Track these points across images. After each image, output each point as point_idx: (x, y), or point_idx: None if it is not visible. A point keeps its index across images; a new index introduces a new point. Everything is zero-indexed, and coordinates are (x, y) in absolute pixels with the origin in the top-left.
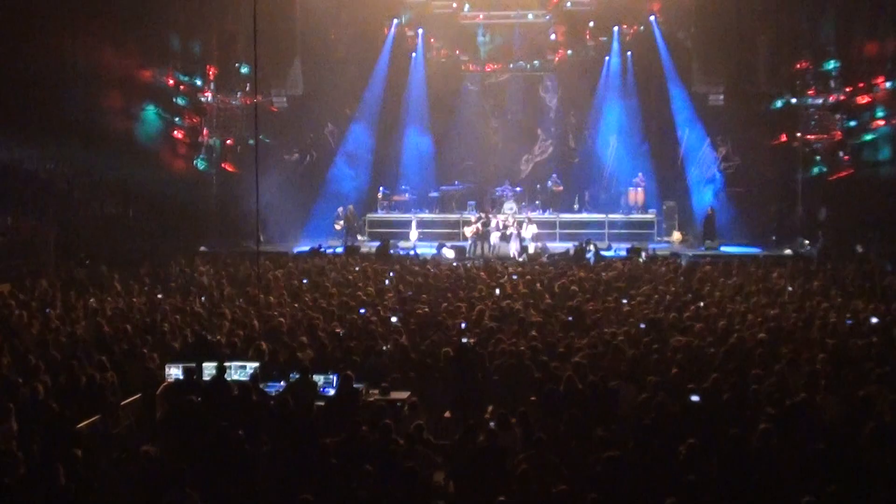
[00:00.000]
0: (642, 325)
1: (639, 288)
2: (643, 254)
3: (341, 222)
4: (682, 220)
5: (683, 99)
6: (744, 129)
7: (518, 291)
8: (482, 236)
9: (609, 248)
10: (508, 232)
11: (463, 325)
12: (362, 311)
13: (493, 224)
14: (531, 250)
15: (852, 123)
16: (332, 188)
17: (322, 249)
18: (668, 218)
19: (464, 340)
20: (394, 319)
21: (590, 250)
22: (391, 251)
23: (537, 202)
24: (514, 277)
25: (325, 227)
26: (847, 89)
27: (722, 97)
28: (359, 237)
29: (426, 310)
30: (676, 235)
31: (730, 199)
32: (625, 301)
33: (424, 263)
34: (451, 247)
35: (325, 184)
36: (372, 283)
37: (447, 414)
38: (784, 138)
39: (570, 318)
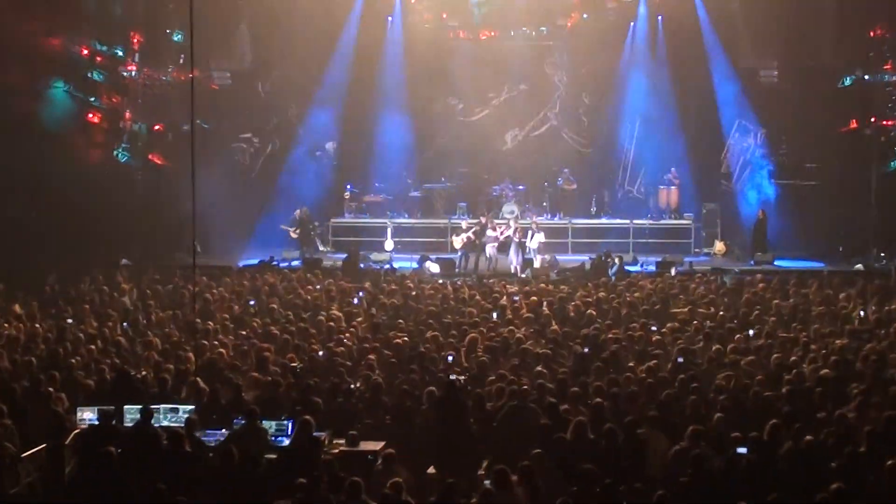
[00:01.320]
0: (678, 360)
1: (672, 312)
2: (677, 269)
3: (297, 229)
4: (727, 227)
5: (728, 76)
6: (803, 112)
7: (520, 316)
8: (475, 247)
9: (635, 263)
10: (508, 241)
11: (450, 359)
12: (324, 344)
13: (489, 232)
14: (537, 264)
15: None
16: (287, 186)
17: (275, 263)
18: (708, 224)
19: (452, 377)
20: (371, 357)
21: (612, 264)
22: (361, 265)
23: (544, 204)
24: (516, 299)
25: (280, 235)
26: None
27: (776, 73)
28: (320, 247)
29: (405, 339)
30: (719, 246)
31: (785, 201)
32: (654, 329)
33: (403, 280)
34: (437, 260)
35: (280, 181)
36: (337, 306)
37: (431, 470)
38: (854, 124)
39: (586, 350)
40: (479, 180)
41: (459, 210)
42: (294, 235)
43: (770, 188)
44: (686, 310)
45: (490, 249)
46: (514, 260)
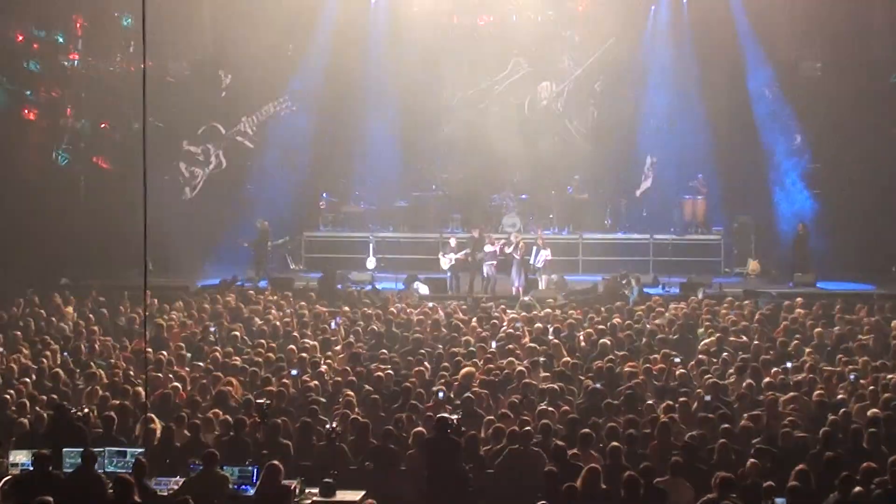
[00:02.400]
0: (706, 397)
1: (698, 341)
2: (704, 292)
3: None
4: (762, 244)
5: (764, 69)
6: (849, 111)
7: (522, 346)
8: (471, 265)
9: (655, 284)
10: (509, 259)
11: (441, 395)
12: (295, 372)
13: (486, 247)
14: (542, 286)
15: None
16: (254, 194)
17: (239, 283)
18: (740, 240)
19: (444, 416)
20: (350, 393)
21: (629, 286)
22: (338, 286)
23: (551, 216)
24: (518, 325)
25: (245, 250)
26: None
27: (818, 66)
28: (291, 265)
29: (389, 372)
30: (753, 265)
31: (829, 213)
32: (678, 360)
33: (387, 304)
34: (426, 280)
35: (246, 188)
36: (310, 333)
37: None
38: None
39: (599, 385)
40: (475, 188)
41: (453, 222)
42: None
43: (807, 198)
44: (714, 339)
45: (487, 268)
46: (515, 280)
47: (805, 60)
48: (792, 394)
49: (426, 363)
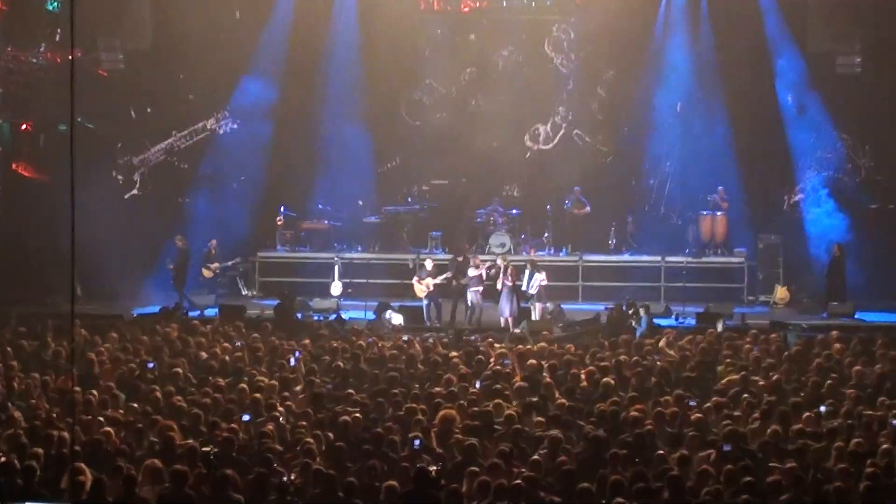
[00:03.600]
0: (725, 446)
1: (717, 381)
2: (724, 324)
3: (213, 267)
4: (791, 268)
5: (794, 64)
6: (894, 114)
7: (512, 386)
8: (452, 291)
9: (668, 315)
10: (498, 284)
11: (418, 443)
12: (247, 417)
13: (471, 270)
14: (536, 315)
15: None
16: (199, 211)
17: (182, 311)
18: (766, 263)
19: (422, 468)
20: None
21: (637, 317)
22: (298, 315)
23: (546, 235)
24: (507, 362)
25: (189, 274)
26: None
27: (858, 62)
28: (243, 291)
29: (356, 416)
30: (781, 293)
31: (870, 232)
32: (693, 404)
33: (355, 336)
34: (401, 309)
35: (190, 202)
36: (266, 370)
37: None
38: None
39: (602, 432)
40: (458, 201)
41: (431, 242)
42: (207, 274)
43: (843, 215)
44: (736, 378)
45: (472, 295)
46: (504, 310)
47: (842, 55)
48: (825, 443)
49: (401, 405)
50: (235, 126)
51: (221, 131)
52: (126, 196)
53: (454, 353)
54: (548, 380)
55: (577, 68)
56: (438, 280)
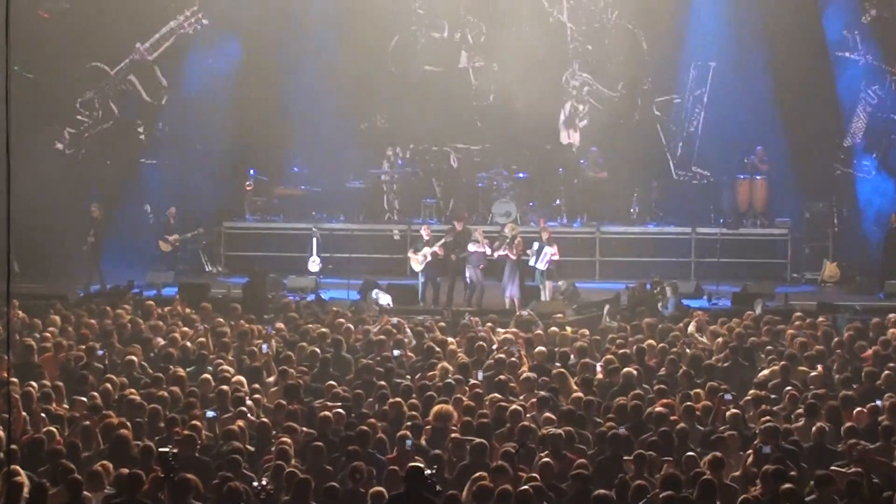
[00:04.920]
0: (764, 448)
1: (756, 372)
2: (764, 305)
3: (171, 239)
4: (842, 241)
5: (847, 6)
6: None
7: (518, 376)
8: (450, 266)
9: (699, 295)
10: (502, 259)
11: (409, 443)
12: (212, 413)
13: (471, 245)
14: (545, 296)
15: None
16: (156, 175)
17: (135, 290)
18: (812, 235)
19: (416, 466)
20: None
21: (663, 297)
22: (270, 295)
23: (558, 202)
24: (513, 349)
25: (144, 248)
26: None
27: None
28: (206, 267)
29: (339, 410)
30: (830, 270)
31: None
32: (728, 397)
33: (336, 319)
34: (389, 288)
35: (145, 166)
36: (233, 358)
37: None
38: None
39: (624, 430)
40: (456, 164)
41: (425, 210)
42: (165, 247)
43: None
44: (778, 368)
45: (472, 272)
46: (509, 289)
47: None
48: (880, 444)
49: (389, 399)
50: (206, 22)
51: (191, 30)
52: (68, 152)
53: (451, 339)
54: (559, 369)
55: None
56: (437, 247)
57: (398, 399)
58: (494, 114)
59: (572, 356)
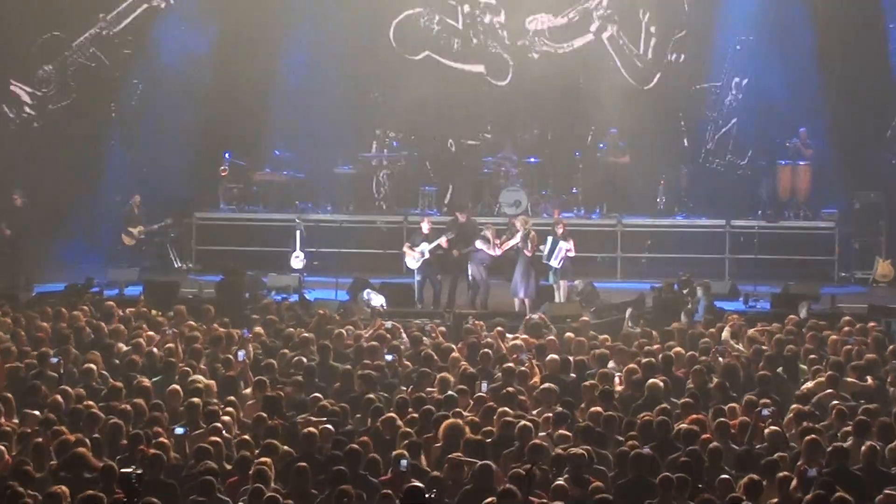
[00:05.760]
0: (809, 471)
1: (799, 385)
2: (809, 308)
3: (135, 232)
4: None
5: None
6: None
7: (530, 388)
8: (452, 265)
9: (734, 297)
10: (511, 253)
11: (405, 463)
12: (181, 429)
13: (478, 242)
14: (560, 296)
15: None
16: (119, 157)
17: (95, 289)
18: (863, 229)
19: (415, 486)
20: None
21: (697, 299)
22: (248, 294)
23: (574, 190)
24: (523, 357)
25: (106, 241)
26: None
27: None
28: (175, 263)
29: (325, 426)
30: (883, 268)
31: None
32: (767, 413)
33: (322, 323)
34: (383, 287)
35: (108, 146)
36: (205, 367)
37: None
38: None
39: (647, 450)
40: (458, 147)
41: (424, 199)
42: (128, 241)
43: None
44: (823, 380)
45: (475, 269)
46: (520, 289)
47: None
48: None
49: (383, 414)
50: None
51: (162, 4)
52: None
53: (453, 346)
54: (572, 380)
55: None
56: (438, 242)
57: (392, 414)
58: (505, 92)
59: (590, 365)
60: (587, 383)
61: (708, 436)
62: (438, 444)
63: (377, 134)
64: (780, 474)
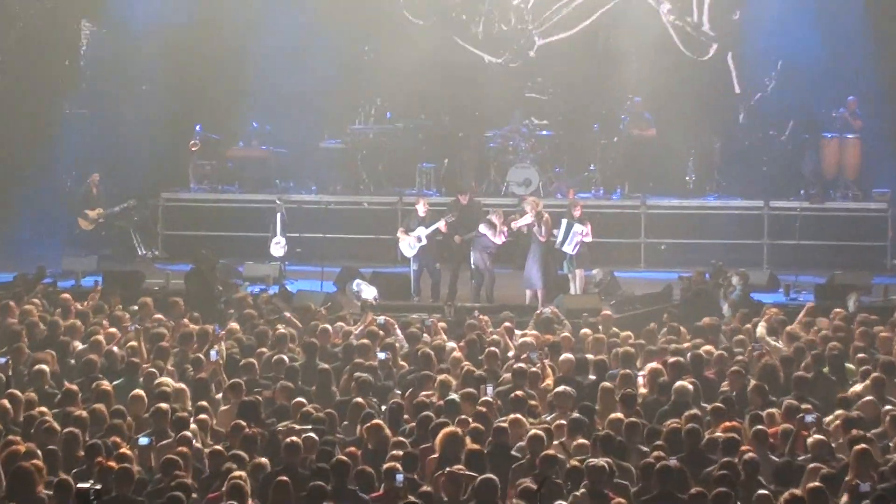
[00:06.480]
0: (861, 485)
1: (847, 387)
2: (858, 301)
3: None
4: None
5: None
6: None
7: (542, 391)
8: (454, 252)
9: (775, 288)
10: (520, 237)
11: (400, 478)
12: (146, 439)
13: (482, 226)
14: (576, 288)
15: None
16: (76, 131)
17: (48, 280)
18: None
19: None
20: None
21: (732, 289)
22: (220, 285)
23: (592, 168)
24: (534, 356)
25: (59, 226)
26: None
27: None
28: (140, 250)
29: (310, 435)
30: None
31: None
32: (811, 419)
33: (306, 317)
34: (374, 277)
35: (62, 120)
36: (174, 368)
37: None
38: None
39: (674, 462)
40: (460, 119)
41: (422, 176)
42: (86, 225)
43: None
44: (873, 381)
45: (478, 257)
46: (533, 278)
47: None
48: None
49: (375, 421)
50: None
51: None
52: None
53: (454, 344)
54: (593, 383)
55: None
56: (436, 226)
57: (379, 421)
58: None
59: (612, 365)
60: (606, 385)
61: (745, 447)
62: (434, 456)
63: (361, 103)
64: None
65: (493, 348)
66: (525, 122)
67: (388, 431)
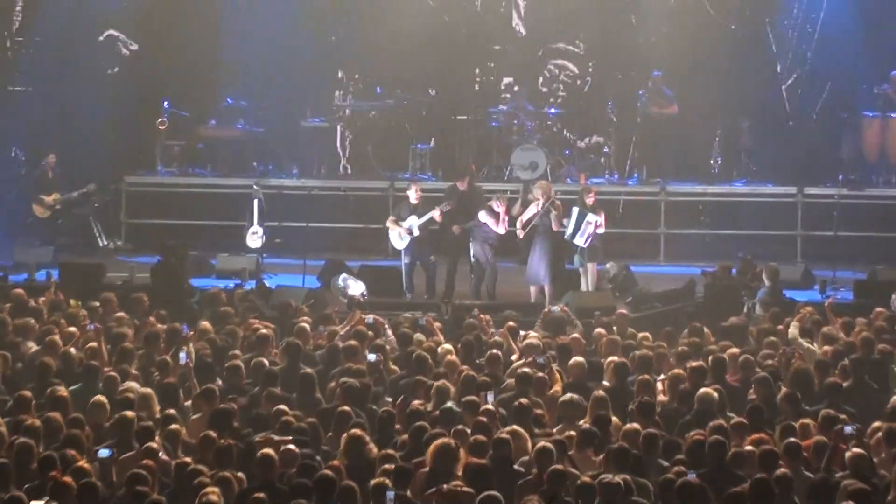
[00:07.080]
0: None
1: (891, 395)
2: None
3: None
4: None
5: None
6: None
7: (550, 400)
8: (451, 244)
9: (810, 285)
10: (526, 214)
11: (390, 495)
12: (106, 451)
13: (482, 214)
14: (587, 284)
15: None
16: (28, 108)
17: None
18: None
19: None
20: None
21: (762, 285)
22: (192, 280)
23: (606, 149)
24: (541, 360)
25: (9, 212)
26: None
27: None
28: (101, 241)
29: (290, 447)
30: None
31: None
32: (850, 430)
33: (287, 316)
34: (362, 271)
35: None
36: (139, 372)
37: None
38: None
39: (694, 477)
40: (459, 94)
41: (416, 158)
42: (41, 212)
43: None
44: None
45: (479, 249)
46: (539, 273)
47: None
48: None
49: (363, 430)
50: None
51: None
52: None
53: (451, 346)
54: (605, 390)
55: None
56: (428, 217)
57: (357, 431)
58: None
59: (630, 371)
60: (622, 392)
61: (781, 461)
62: (425, 470)
63: (339, 77)
64: None
65: (494, 351)
66: (529, 99)
67: (372, 445)
